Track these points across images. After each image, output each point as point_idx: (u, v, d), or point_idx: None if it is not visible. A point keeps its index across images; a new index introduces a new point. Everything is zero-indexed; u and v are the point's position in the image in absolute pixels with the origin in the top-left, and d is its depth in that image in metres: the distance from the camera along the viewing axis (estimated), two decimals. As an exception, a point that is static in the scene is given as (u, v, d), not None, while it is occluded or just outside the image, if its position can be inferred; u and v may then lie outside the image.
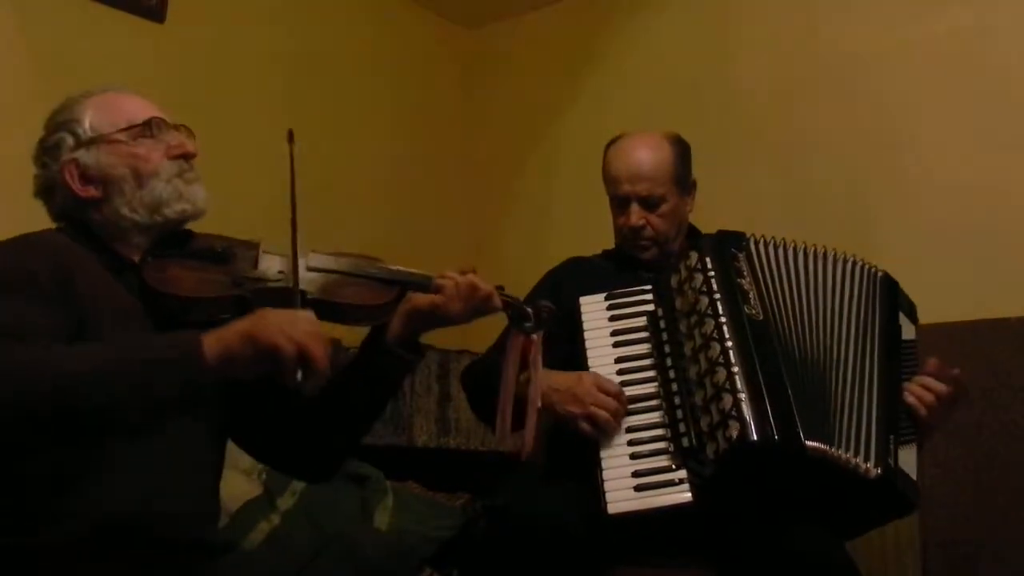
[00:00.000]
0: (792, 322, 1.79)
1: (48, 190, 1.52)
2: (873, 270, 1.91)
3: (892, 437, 1.72)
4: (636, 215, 2.02)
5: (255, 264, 1.49)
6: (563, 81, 3.55)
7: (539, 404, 1.61)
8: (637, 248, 2.06)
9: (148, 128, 1.52)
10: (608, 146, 2.12)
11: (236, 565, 1.50)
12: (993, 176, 2.59)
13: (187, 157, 1.54)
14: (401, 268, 1.56)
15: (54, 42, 2.58)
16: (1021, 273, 2.50)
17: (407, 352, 1.53)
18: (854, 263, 1.90)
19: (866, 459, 1.66)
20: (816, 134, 2.90)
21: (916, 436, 1.79)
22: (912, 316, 1.93)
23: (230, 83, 2.92)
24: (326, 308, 1.45)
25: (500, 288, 1.56)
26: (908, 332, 1.90)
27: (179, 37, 2.82)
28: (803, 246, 1.90)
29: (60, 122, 1.52)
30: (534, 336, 1.59)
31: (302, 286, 1.42)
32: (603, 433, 1.76)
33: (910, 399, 1.79)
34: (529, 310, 1.58)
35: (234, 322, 1.28)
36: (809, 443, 1.62)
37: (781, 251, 1.89)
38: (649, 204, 2.03)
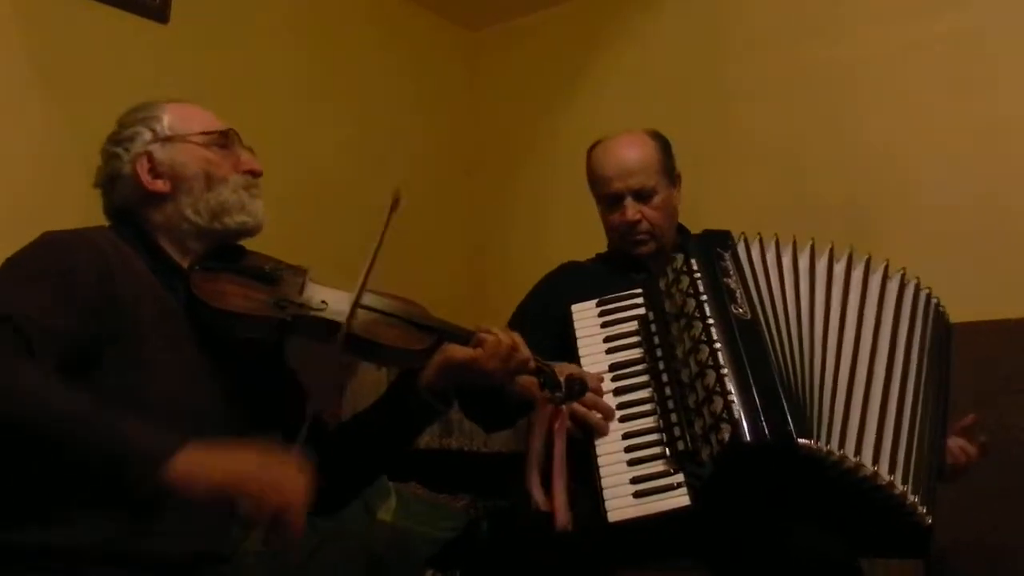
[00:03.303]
0: (780, 319, 1.79)
1: (111, 180, 1.54)
2: (935, 300, 1.93)
3: (934, 481, 1.75)
4: (632, 209, 2.05)
5: (301, 290, 1.51)
6: (563, 82, 3.56)
7: (565, 473, 1.61)
8: (635, 243, 2.07)
9: (224, 138, 1.56)
10: (591, 150, 2.15)
11: (236, 566, 1.50)
12: (992, 177, 2.59)
13: (255, 175, 1.58)
14: (442, 319, 1.58)
15: (56, 42, 2.58)
16: (1021, 275, 2.51)
17: (437, 401, 1.53)
18: (917, 288, 1.91)
19: (922, 504, 1.68)
20: (814, 136, 2.91)
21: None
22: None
23: (233, 84, 2.92)
24: (364, 345, 1.47)
25: (534, 354, 1.58)
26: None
27: (183, 38, 2.82)
28: (791, 241, 1.90)
29: (139, 118, 1.55)
30: (563, 407, 1.61)
31: (344, 321, 1.43)
32: (596, 435, 1.76)
33: (952, 446, 1.85)
34: (561, 380, 1.59)
35: (229, 452, 1.20)
36: (801, 441, 1.62)
37: (770, 249, 1.89)
38: (642, 197, 2.06)
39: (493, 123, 3.77)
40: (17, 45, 2.52)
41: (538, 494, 1.59)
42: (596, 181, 2.11)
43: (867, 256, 1.92)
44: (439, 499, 2.69)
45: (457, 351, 1.51)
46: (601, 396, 1.78)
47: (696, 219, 2.19)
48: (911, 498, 1.67)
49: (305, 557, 1.38)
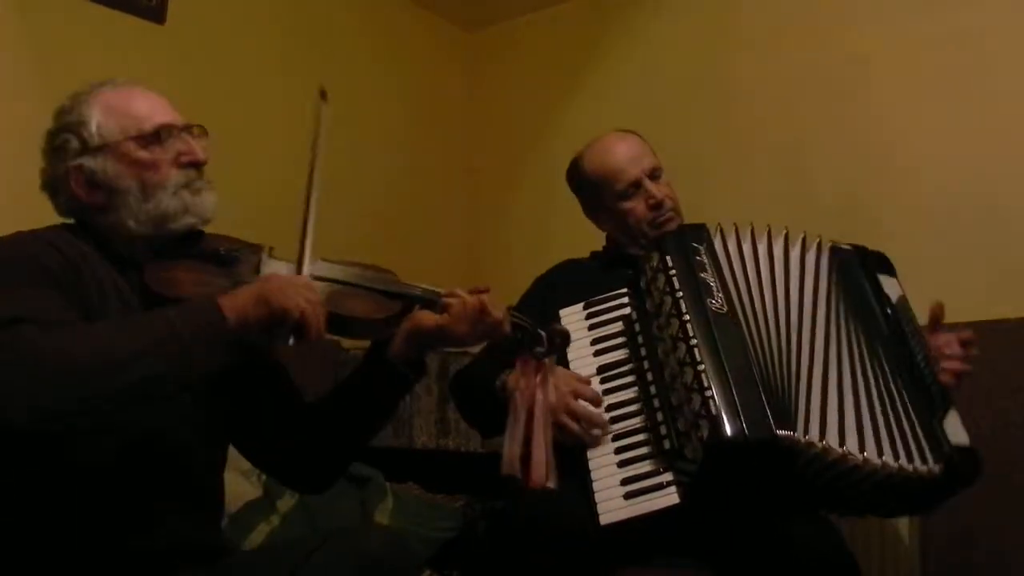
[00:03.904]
0: (758, 310, 1.79)
1: (53, 188, 1.50)
2: (830, 246, 1.91)
3: (935, 423, 1.72)
4: (657, 188, 2.06)
5: (257, 269, 1.47)
6: (563, 83, 3.55)
7: (549, 429, 1.57)
8: (664, 223, 2.05)
9: (156, 137, 1.48)
10: (582, 158, 2.14)
11: (235, 566, 1.49)
12: (993, 178, 2.59)
13: (196, 165, 1.51)
14: (410, 283, 1.52)
15: (54, 43, 2.58)
16: (1021, 275, 2.50)
17: (407, 369, 1.51)
18: (816, 244, 1.90)
19: (924, 462, 1.66)
20: (816, 135, 2.91)
21: (950, 398, 1.78)
22: (890, 271, 1.92)
23: (230, 85, 2.92)
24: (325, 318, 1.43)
25: (511, 309, 1.53)
26: (892, 290, 1.89)
27: (179, 38, 2.82)
28: (766, 230, 1.89)
29: (67, 122, 1.48)
30: (545, 360, 1.57)
31: None
32: (590, 443, 1.76)
33: (940, 375, 1.80)
34: (543, 334, 1.55)
35: (242, 287, 1.33)
36: (781, 433, 1.61)
37: (746, 239, 1.88)
38: (655, 176, 2.08)
39: (492, 123, 3.77)
40: (13, 44, 2.52)
41: (510, 454, 1.52)
42: (607, 180, 2.08)
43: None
44: (436, 499, 2.68)
45: (424, 318, 1.48)
46: (599, 405, 1.78)
47: (699, 217, 2.17)
48: (909, 466, 1.65)
49: (303, 558, 1.37)
